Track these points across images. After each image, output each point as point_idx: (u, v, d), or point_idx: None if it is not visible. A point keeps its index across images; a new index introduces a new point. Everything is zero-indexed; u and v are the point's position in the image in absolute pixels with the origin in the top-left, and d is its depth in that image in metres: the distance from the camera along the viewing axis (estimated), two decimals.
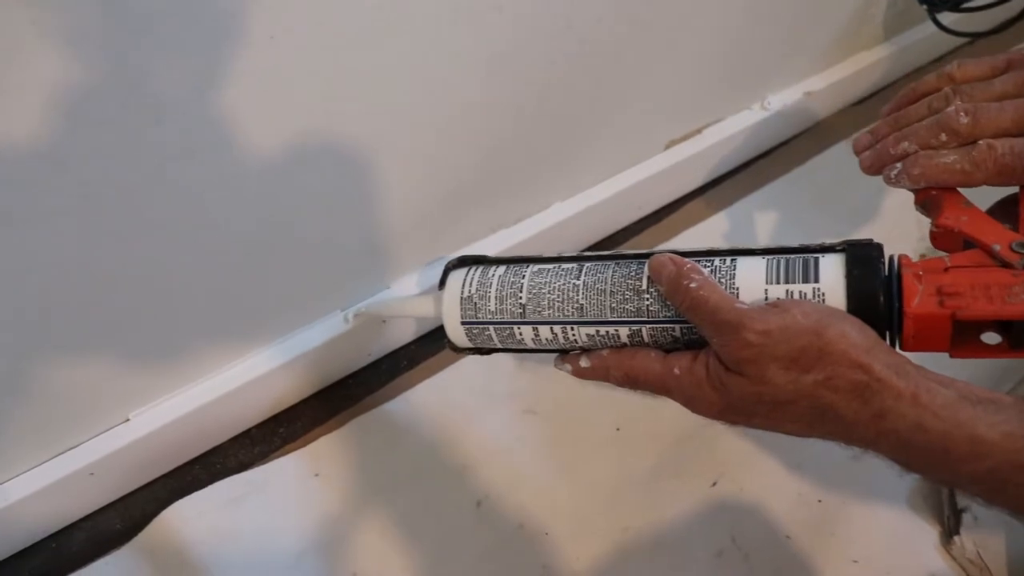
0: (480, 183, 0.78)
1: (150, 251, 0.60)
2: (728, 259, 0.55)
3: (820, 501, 0.76)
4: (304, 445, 0.78)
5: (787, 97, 1.03)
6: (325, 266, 0.73)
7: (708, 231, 0.98)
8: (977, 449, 0.45)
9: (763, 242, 0.96)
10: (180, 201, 0.59)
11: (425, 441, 0.78)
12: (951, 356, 0.51)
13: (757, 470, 0.78)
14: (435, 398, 0.82)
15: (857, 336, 0.48)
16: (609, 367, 0.57)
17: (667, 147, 0.95)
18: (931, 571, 0.72)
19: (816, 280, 0.52)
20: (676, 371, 0.54)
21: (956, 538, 0.72)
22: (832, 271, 0.52)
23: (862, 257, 0.52)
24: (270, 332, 0.75)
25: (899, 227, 0.97)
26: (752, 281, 0.53)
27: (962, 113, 0.55)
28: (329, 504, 0.74)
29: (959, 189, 0.56)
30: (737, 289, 0.53)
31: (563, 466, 0.77)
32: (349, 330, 0.77)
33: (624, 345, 0.58)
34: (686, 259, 0.54)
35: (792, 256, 0.54)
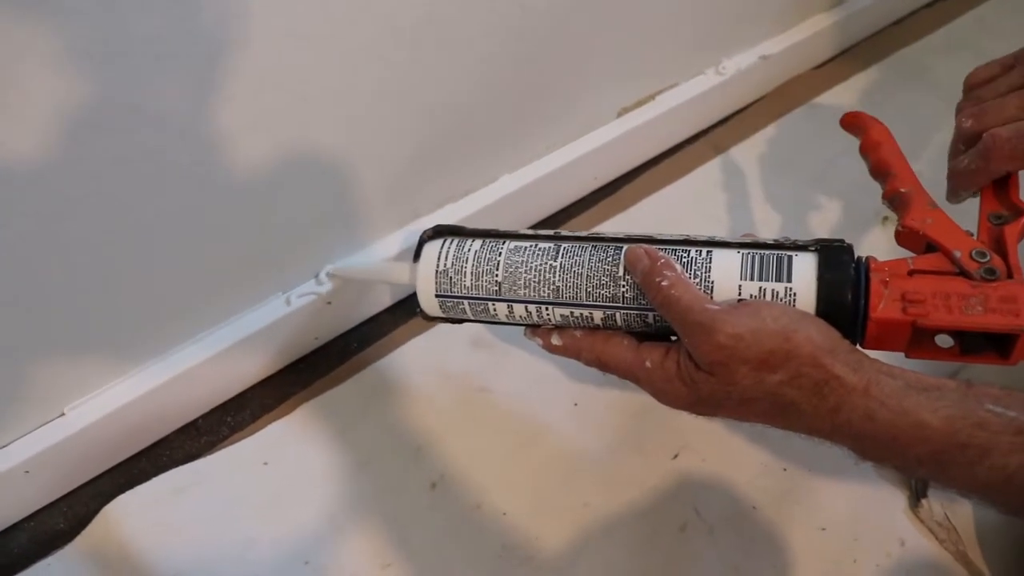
0: (422, 157, 0.76)
1: (79, 231, 0.58)
2: (704, 251, 0.57)
3: (785, 470, 0.75)
4: (252, 433, 0.75)
5: (742, 61, 1.01)
6: (263, 249, 0.71)
7: (665, 201, 0.96)
8: (921, 433, 0.48)
9: (724, 210, 0.96)
10: (109, 175, 0.56)
11: (377, 424, 0.76)
12: (906, 356, 0.54)
13: (719, 441, 0.76)
14: (386, 380, 0.80)
15: (821, 339, 0.50)
16: (581, 349, 0.60)
17: (619, 115, 0.93)
18: (899, 535, 0.71)
19: (788, 280, 0.54)
20: (647, 364, 0.56)
21: (924, 501, 0.71)
22: (804, 272, 0.54)
23: (833, 262, 0.54)
24: (211, 317, 0.72)
25: (858, 191, 0.95)
26: (727, 276, 0.55)
27: (965, 117, 0.60)
28: (279, 492, 0.72)
29: (927, 192, 0.59)
30: (712, 283, 0.55)
31: (520, 444, 0.76)
32: (293, 312, 0.74)
33: (597, 327, 0.59)
34: (660, 253, 0.55)
35: (766, 252, 0.56)
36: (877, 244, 0.89)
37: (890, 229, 0.92)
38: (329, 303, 0.76)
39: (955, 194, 0.61)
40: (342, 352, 0.82)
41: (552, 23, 0.76)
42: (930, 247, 0.56)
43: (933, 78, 1.11)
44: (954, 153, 0.62)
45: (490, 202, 0.83)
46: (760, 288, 0.54)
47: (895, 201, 0.60)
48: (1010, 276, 0.53)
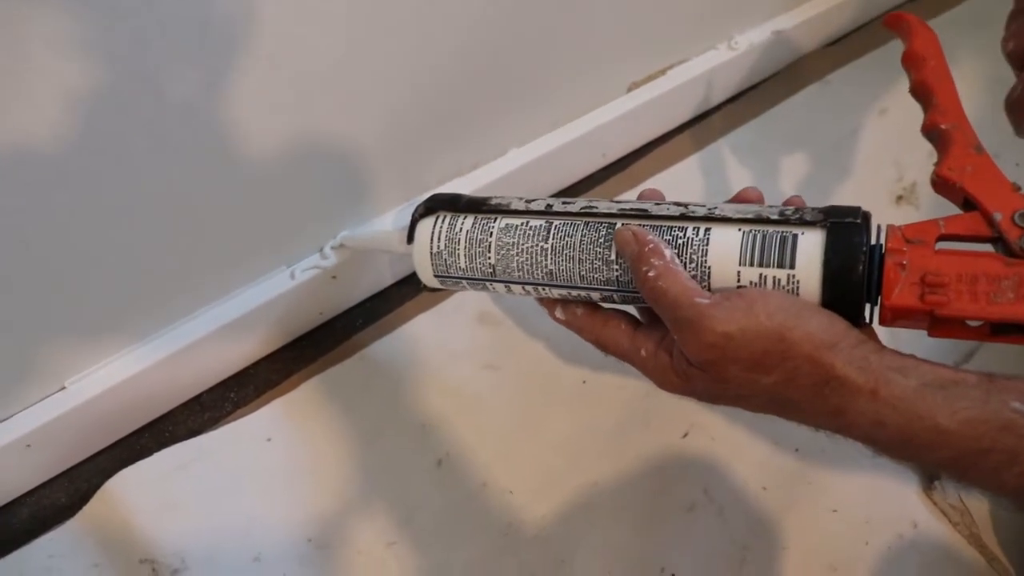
0: (428, 130, 0.75)
1: (79, 204, 0.57)
2: (702, 229, 0.52)
3: (797, 450, 0.74)
4: (256, 409, 0.75)
5: (755, 36, 0.99)
6: (268, 222, 0.70)
7: (676, 178, 0.95)
8: (939, 439, 0.43)
9: (735, 188, 0.94)
10: (111, 148, 0.55)
11: (382, 401, 0.76)
12: (929, 335, 0.48)
13: (729, 421, 0.75)
14: (391, 356, 0.79)
15: (823, 335, 0.46)
16: (581, 328, 0.57)
17: (629, 89, 0.91)
18: (912, 517, 0.70)
19: (791, 266, 0.49)
20: (642, 352, 0.53)
21: (937, 483, 0.71)
22: (809, 256, 0.49)
23: (842, 244, 0.48)
24: (214, 291, 0.71)
25: (874, 170, 0.95)
26: (725, 260, 0.51)
27: (1007, 38, 0.52)
28: (282, 469, 0.71)
29: (972, 129, 0.51)
30: (709, 268, 0.51)
31: (527, 422, 0.75)
32: (297, 286, 0.73)
33: (598, 303, 0.57)
34: (650, 236, 0.51)
35: (770, 230, 0.50)
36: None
37: (905, 209, 0.91)
38: (334, 277, 0.75)
39: (1020, 128, 0.53)
40: (347, 328, 0.81)
41: None
42: (969, 202, 0.49)
43: (955, 55, 1.08)
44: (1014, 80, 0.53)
45: (498, 176, 0.82)
46: (760, 275, 0.49)
47: (933, 138, 0.52)
48: None
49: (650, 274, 0.49)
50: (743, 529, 0.70)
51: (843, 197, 0.92)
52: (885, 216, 0.88)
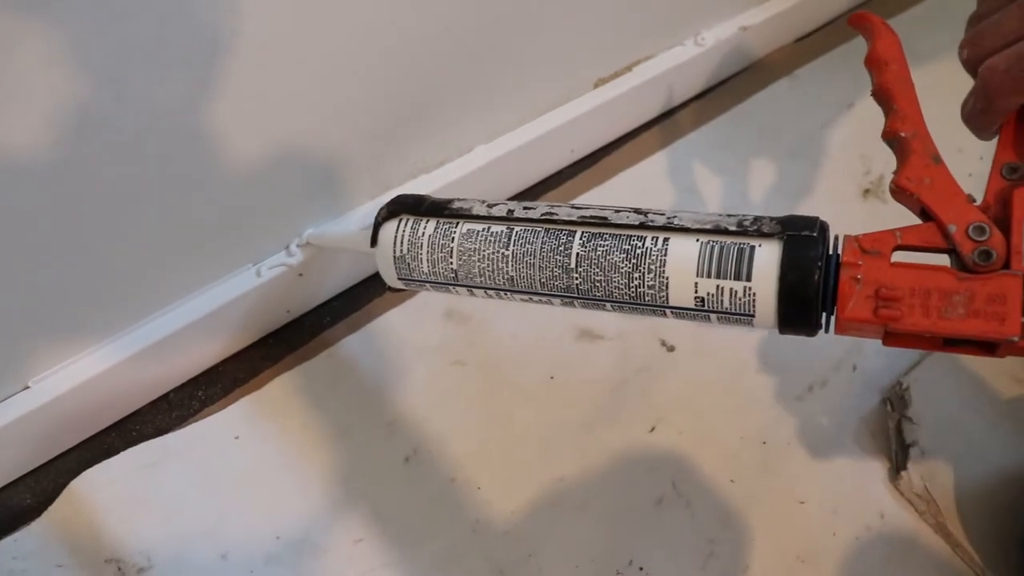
0: (394, 127, 0.74)
1: (40, 199, 0.56)
2: (661, 239, 0.53)
3: (764, 443, 0.74)
4: (224, 407, 0.74)
5: (722, 32, 0.99)
6: (232, 219, 0.69)
7: (644, 174, 0.95)
8: None
9: (703, 184, 0.95)
10: (71, 142, 0.54)
11: (349, 398, 0.76)
12: (883, 344, 0.49)
13: (697, 414, 0.75)
14: (359, 354, 0.78)
15: None
16: None
17: (596, 86, 0.91)
18: (879, 508, 0.71)
19: (748, 278, 0.50)
20: None
21: (903, 473, 0.71)
22: (765, 269, 0.50)
23: (798, 258, 0.49)
24: (179, 289, 0.71)
25: (841, 165, 0.95)
26: (683, 272, 0.52)
27: (962, 45, 0.51)
28: (250, 467, 0.71)
29: (931, 138, 0.51)
30: (668, 278, 0.52)
31: (494, 418, 0.75)
32: (263, 284, 0.73)
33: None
34: None
35: (727, 242, 0.51)
36: (856, 220, 0.88)
37: (872, 203, 0.91)
38: (301, 275, 0.75)
39: (980, 136, 0.52)
40: (315, 325, 0.81)
41: None
42: (926, 212, 0.49)
43: (920, 50, 1.09)
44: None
45: (465, 173, 0.82)
46: (718, 286, 0.50)
47: (893, 145, 0.52)
48: (1007, 264, 0.46)
49: None
50: (711, 522, 0.70)
51: (811, 192, 0.93)
52: (853, 210, 0.90)
